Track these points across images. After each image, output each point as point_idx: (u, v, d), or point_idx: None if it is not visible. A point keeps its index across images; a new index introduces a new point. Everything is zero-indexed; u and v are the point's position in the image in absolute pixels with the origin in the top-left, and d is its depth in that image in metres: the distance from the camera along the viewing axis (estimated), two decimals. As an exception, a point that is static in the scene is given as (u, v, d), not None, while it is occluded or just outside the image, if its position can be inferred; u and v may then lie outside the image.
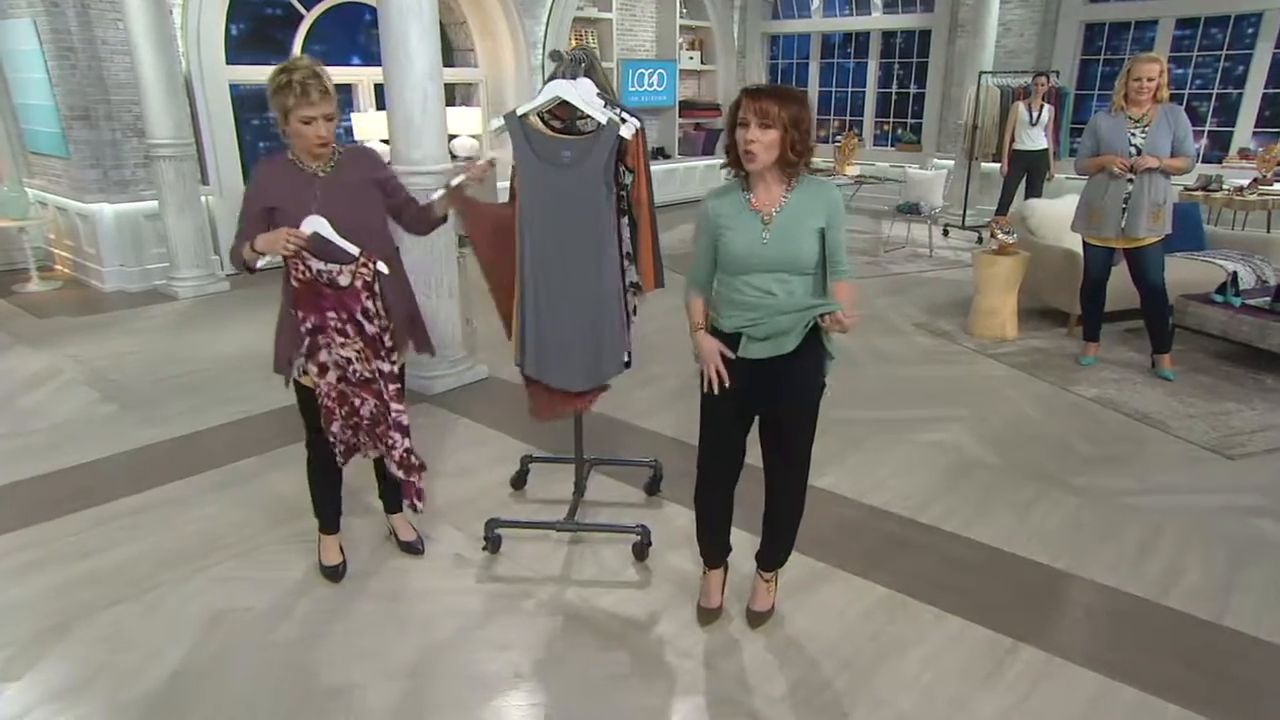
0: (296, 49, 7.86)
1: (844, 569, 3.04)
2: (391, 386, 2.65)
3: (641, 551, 3.10)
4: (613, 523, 3.29)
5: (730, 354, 2.36)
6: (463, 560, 3.11)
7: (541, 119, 2.89)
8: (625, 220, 3.09)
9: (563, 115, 2.93)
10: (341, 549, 3.05)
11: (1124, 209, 4.57)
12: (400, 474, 2.77)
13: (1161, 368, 4.90)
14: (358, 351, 2.61)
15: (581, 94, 2.72)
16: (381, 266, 2.51)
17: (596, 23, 10.12)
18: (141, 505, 3.47)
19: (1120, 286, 4.95)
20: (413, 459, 2.77)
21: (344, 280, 2.50)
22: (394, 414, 2.68)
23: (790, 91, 2.23)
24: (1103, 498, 3.54)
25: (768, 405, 2.46)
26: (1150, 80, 4.44)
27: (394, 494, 3.08)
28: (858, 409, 4.45)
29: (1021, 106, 7.92)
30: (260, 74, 8.50)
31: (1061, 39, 9.30)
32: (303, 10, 7.82)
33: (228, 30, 7.27)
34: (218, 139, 7.16)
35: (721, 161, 2.38)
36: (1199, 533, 3.27)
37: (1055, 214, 5.89)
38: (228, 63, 7.17)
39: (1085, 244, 4.89)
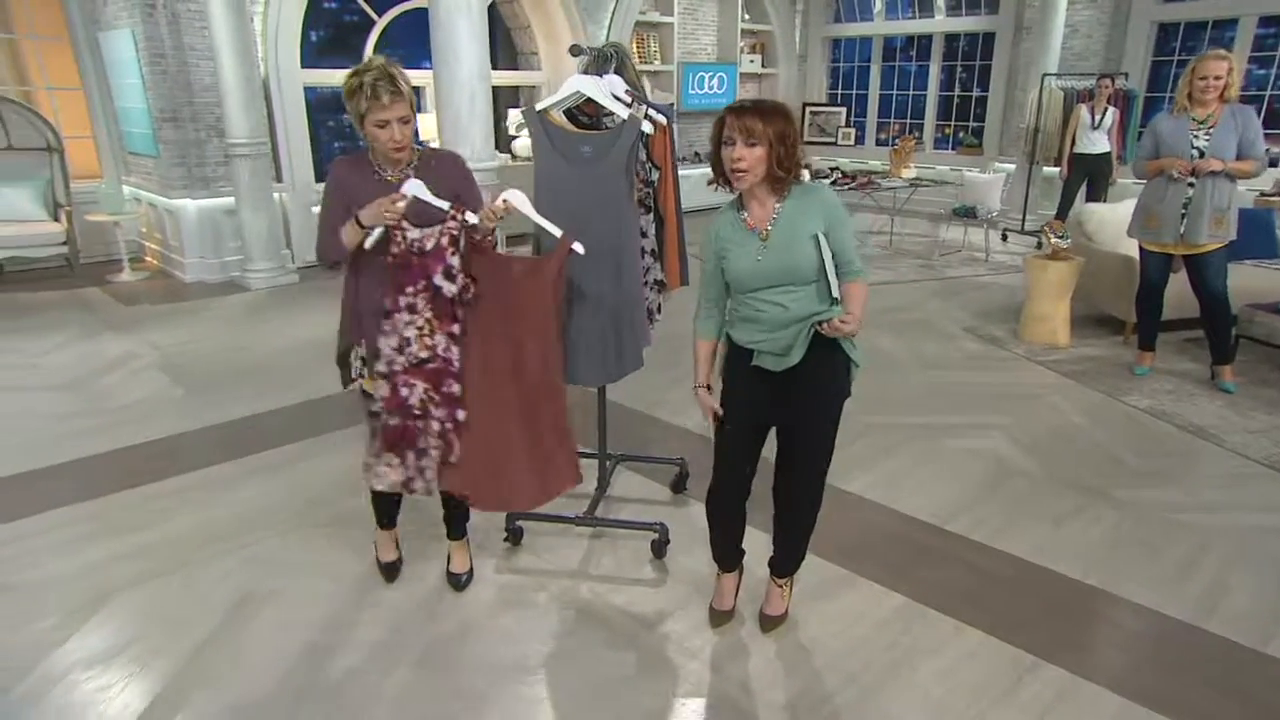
0: (368, 53, 8.00)
1: (865, 576, 2.89)
2: (455, 348, 2.47)
3: (659, 549, 3.01)
4: (634, 519, 3.21)
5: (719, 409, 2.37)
6: (483, 550, 3.06)
7: (572, 114, 2.83)
8: (651, 217, 3.01)
9: (591, 111, 2.86)
10: (398, 544, 2.94)
11: (1183, 214, 4.24)
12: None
13: (1222, 379, 4.56)
14: (420, 328, 2.43)
15: (605, 89, 2.65)
16: (470, 216, 2.38)
17: (658, 26, 10.03)
18: (191, 484, 3.54)
19: (1181, 294, 4.61)
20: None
21: (430, 244, 2.38)
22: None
23: (774, 106, 2.13)
24: (1146, 513, 3.30)
25: (784, 415, 2.34)
26: (1218, 79, 4.08)
27: (454, 521, 2.87)
28: (896, 414, 4.26)
29: (1084, 109, 7.51)
30: (333, 77, 8.70)
31: (1132, 40, 8.80)
32: (375, 16, 7.94)
33: (307, 36, 7.45)
34: (292, 139, 7.33)
35: (709, 179, 2.26)
36: (1249, 554, 3.01)
37: (1113, 219, 5.54)
38: (303, 66, 7.34)
39: (1141, 249, 4.58)
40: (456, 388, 2.49)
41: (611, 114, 2.75)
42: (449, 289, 2.41)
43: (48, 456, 3.78)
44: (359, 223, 2.34)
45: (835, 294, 2.16)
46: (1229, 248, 4.34)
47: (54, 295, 6.66)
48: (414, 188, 2.34)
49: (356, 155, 2.48)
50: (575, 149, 2.62)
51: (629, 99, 2.84)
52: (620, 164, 2.58)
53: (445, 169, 2.49)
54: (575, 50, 2.83)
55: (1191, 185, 4.18)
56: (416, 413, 2.49)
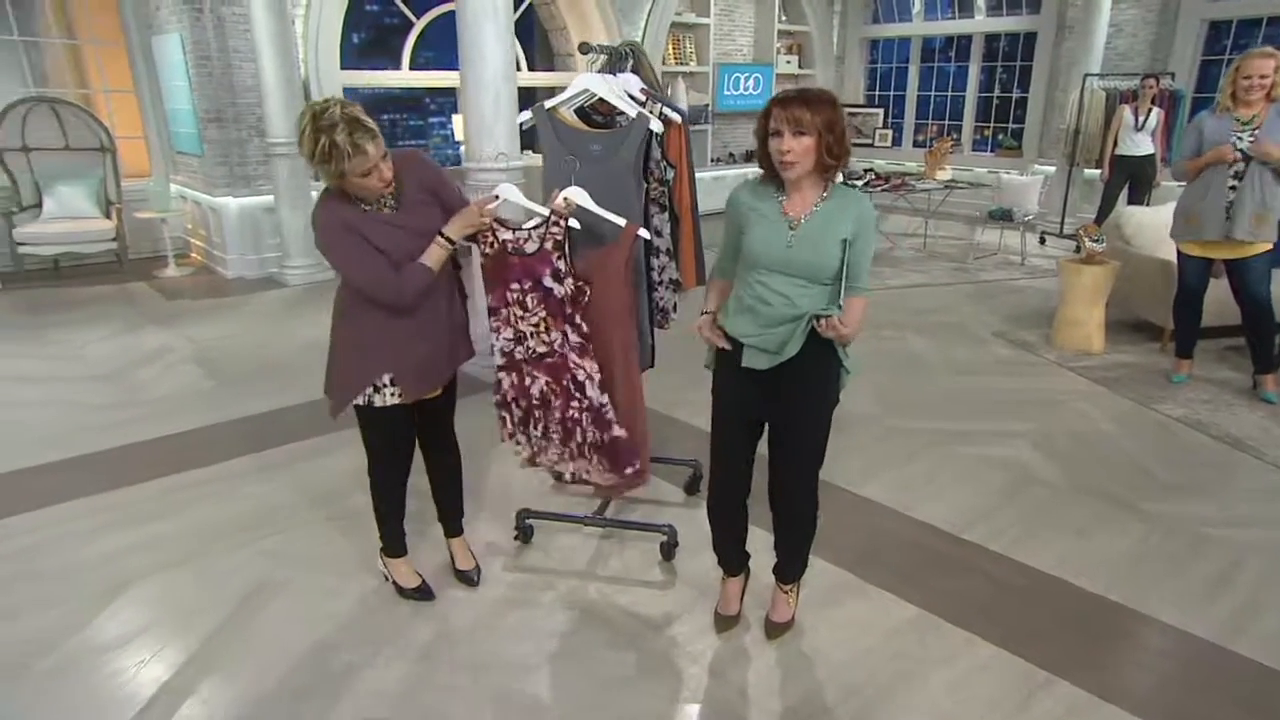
0: (407, 53, 8.06)
1: (877, 584, 2.80)
2: (574, 342, 2.45)
3: (668, 551, 2.95)
4: (644, 521, 3.15)
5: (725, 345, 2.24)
6: (494, 548, 3.04)
7: (585, 113, 2.79)
8: (666, 216, 2.96)
9: (605, 110, 2.81)
10: (417, 571, 2.79)
11: (1226, 213, 4.02)
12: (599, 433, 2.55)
13: (1264, 389, 4.34)
14: (534, 326, 2.47)
15: (615, 87, 2.60)
16: (574, 222, 2.39)
17: (694, 28, 9.94)
18: (210, 477, 3.57)
19: (1221, 300, 4.39)
20: (608, 415, 2.51)
21: (531, 246, 2.39)
22: (578, 369, 2.49)
23: (820, 95, 2.05)
24: (1175, 526, 3.15)
25: (773, 411, 2.27)
26: (1263, 78, 3.87)
27: (453, 517, 2.86)
28: (919, 419, 4.15)
29: (1127, 110, 7.24)
30: (372, 78, 8.79)
31: (1181, 39, 8.47)
32: (413, 18, 8.00)
33: (348, 38, 7.54)
34: (331, 139, 7.40)
35: (759, 173, 2.22)
36: (1283, 572, 2.86)
37: (1153, 222, 5.33)
38: (342, 68, 7.41)
39: (1180, 253, 4.38)
40: (572, 384, 2.53)
41: (625, 113, 2.70)
42: (559, 290, 2.43)
43: (80, 446, 3.85)
44: (448, 240, 2.30)
45: (843, 300, 2.08)
46: (1274, 252, 4.11)
47: (103, 290, 6.83)
48: (506, 191, 2.37)
49: (335, 198, 2.25)
50: (585, 147, 2.57)
51: (643, 97, 2.79)
52: (629, 162, 2.53)
53: (419, 172, 2.36)
54: (584, 48, 2.79)
55: (1234, 188, 3.98)
56: (536, 402, 2.59)
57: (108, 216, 7.32)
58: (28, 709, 2.27)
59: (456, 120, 8.01)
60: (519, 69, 8.72)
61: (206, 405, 4.36)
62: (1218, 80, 8.51)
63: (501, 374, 2.62)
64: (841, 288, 2.08)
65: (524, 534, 3.06)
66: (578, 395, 2.53)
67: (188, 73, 7.00)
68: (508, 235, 2.40)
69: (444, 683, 2.37)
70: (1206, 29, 8.49)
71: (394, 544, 2.76)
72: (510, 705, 2.28)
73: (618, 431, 2.51)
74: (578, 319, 2.45)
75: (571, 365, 2.50)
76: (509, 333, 2.53)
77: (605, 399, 2.50)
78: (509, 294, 2.47)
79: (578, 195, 2.42)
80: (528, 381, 2.57)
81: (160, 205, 7.46)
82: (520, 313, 2.48)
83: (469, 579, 2.83)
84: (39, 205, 7.16)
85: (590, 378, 2.50)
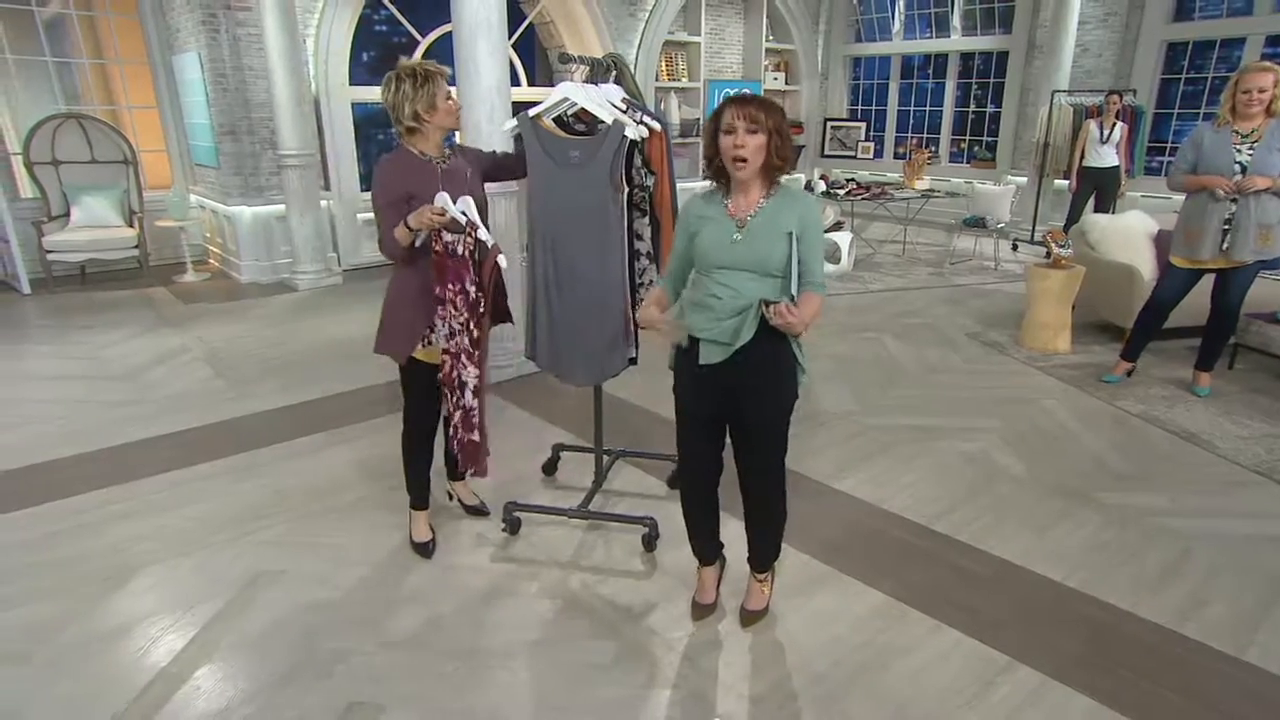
0: (412, 73, 8.00)
1: (848, 574, 2.75)
2: (476, 351, 2.62)
3: (649, 543, 2.90)
4: (625, 513, 3.10)
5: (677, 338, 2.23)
6: (483, 539, 2.99)
7: (564, 121, 2.74)
8: (647, 220, 2.91)
9: (587, 118, 2.77)
10: (431, 526, 2.94)
11: (1225, 229, 3.84)
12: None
13: (1198, 384, 4.28)
14: (461, 323, 2.54)
15: (595, 95, 2.55)
16: (483, 234, 2.47)
17: (686, 45, 9.89)
18: (216, 471, 3.52)
19: (1188, 302, 4.23)
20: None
21: (460, 249, 2.47)
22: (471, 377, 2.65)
23: (772, 100, 2.05)
24: (1131, 517, 3.10)
25: (735, 412, 2.22)
26: (1263, 91, 3.66)
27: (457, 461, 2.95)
28: (892, 415, 4.10)
29: (1093, 124, 7.20)
30: (378, 94, 8.74)
31: (1141, 58, 8.43)
32: (419, 36, 7.96)
33: (358, 56, 7.48)
34: (339, 150, 7.36)
35: (704, 173, 2.18)
36: (1232, 561, 2.80)
37: (1116, 229, 5.29)
38: (350, 84, 7.36)
39: (1169, 264, 4.17)
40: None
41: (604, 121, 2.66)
42: (473, 294, 2.51)
43: (95, 441, 3.81)
44: (408, 225, 2.42)
45: (794, 293, 2.04)
46: (1265, 263, 3.93)
47: (125, 294, 6.78)
48: (440, 199, 2.41)
49: (397, 152, 2.53)
50: (564, 153, 2.53)
51: (624, 106, 2.74)
52: (605, 167, 2.48)
53: (468, 153, 2.68)
54: (564, 59, 2.74)
55: (1234, 201, 3.79)
56: (472, 391, 2.64)
57: (131, 225, 7.25)
58: (30, 695, 2.22)
59: (457, 133, 7.96)
60: (519, 84, 8.69)
61: (215, 403, 4.31)
62: (1177, 97, 8.50)
63: (446, 358, 2.63)
64: (793, 281, 2.04)
65: (511, 525, 3.01)
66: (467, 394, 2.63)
67: (205, 89, 6.96)
68: (449, 238, 2.46)
69: (428, 668, 2.32)
70: (1165, 49, 8.45)
71: (419, 495, 2.89)
72: (489, 691, 2.23)
73: (476, 436, 2.69)
74: (485, 323, 2.57)
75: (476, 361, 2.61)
76: (446, 328, 2.57)
77: (476, 402, 2.64)
78: (448, 291, 2.52)
79: (441, 200, 2.42)
80: (458, 372, 2.61)
81: (180, 214, 7.39)
82: (454, 310, 2.52)
83: (480, 510, 3.14)
84: (67, 215, 7.10)
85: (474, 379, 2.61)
